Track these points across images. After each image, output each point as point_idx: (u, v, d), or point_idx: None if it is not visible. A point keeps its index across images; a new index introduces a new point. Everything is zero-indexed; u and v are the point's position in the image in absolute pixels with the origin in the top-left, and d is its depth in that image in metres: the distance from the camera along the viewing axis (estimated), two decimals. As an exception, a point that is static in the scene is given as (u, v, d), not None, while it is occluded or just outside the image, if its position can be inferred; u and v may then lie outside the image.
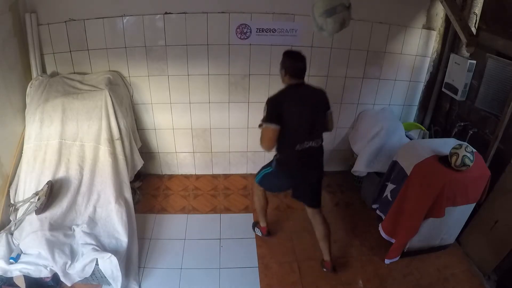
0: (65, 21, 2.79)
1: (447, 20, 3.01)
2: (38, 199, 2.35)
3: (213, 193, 3.40)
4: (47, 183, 2.41)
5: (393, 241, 2.65)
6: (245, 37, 2.95)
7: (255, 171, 3.62)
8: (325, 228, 2.47)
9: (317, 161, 2.35)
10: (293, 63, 2.15)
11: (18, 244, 2.29)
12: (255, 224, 2.94)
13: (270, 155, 3.60)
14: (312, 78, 3.17)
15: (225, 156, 3.55)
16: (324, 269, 2.59)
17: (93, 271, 2.26)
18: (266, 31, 2.94)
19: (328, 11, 2.04)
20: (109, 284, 2.33)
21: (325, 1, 2.07)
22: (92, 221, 2.49)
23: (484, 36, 2.63)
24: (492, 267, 2.51)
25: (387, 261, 2.67)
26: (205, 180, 3.57)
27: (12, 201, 2.50)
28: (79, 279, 2.28)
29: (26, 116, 2.66)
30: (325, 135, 3.25)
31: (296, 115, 2.13)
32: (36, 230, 2.28)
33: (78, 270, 2.23)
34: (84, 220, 2.48)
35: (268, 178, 2.47)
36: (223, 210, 3.19)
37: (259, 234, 2.89)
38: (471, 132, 2.79)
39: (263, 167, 2.52)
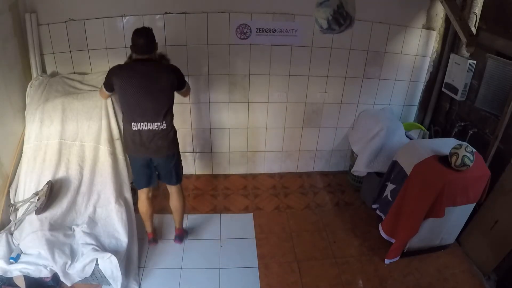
0: (65, 21, 2.79)
1: (447, 20, 3.01)
2: (38, 199, 2.35)
3: (213, 193, 3.40)
4: (47, 183, 2.41)
5: (393, 241, 2.65)
6: (245, 37, 2.95)
7: (255, 171, 3.67)
8: (179, 201, 2.60)
9: (155, 144, 2.30)
10: (134, 39, 2.20)
11: (18, 244, 2.28)
12: None
13: (271, 156, 3.61)
14: (312, 78, 3.18)
15: (225, 156, 3.55)
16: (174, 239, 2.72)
17: (93, 271, 2.26)
18: (266, 31, 2.94)
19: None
20: (109, 284, 2.33)
21: None
22: (92, 221, 2.48)
23: (484, 36, 2.63)
24: (492, 267, 2.51)
25: (387, 261, 2.67)
26: (205, 180, 3.57)
27: (12, 201, 2.50)
28: (79, 279, 2.28)
29: (26, 116, 2.65)
30: (324, 135, 3.23)
31: (129, 90, 2.19)
32: (36, 230, 2.28)
33: (78, 270, 2.23)
34: (84, 220, 2.48)
35: (132, 172, 2.53)
36: (223, 210, 3.19)
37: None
38: (471, 132, 2.79)
39: None
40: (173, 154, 2.45)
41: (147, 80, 2.20)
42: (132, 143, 2.33)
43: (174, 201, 2.63)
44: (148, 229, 2.72)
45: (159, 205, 3.18)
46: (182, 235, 2.76)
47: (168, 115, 2.30)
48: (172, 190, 2.60)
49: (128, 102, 2.24)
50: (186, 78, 3.06)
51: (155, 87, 2.21)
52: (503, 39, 2.47)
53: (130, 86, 2.19)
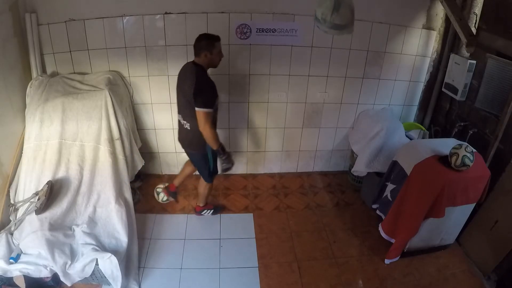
0: (65, 21, 2.79)
1: (447, 20, 3.01)
2: (38, 199, 2.35)
3: (213, 193, 3.39)
4: (47, 183, 2.41)
5: (393, 241, 2.65)
6: (245, 37, 2.95)
7: (255, 171, 3.67)
8: (200, 187, 2.93)
9: (180, 136, 2.66)
10: None
11: (18, 244, 2.28)
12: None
13: (271, 156, 3.61)
14: (312, 78, 3.18)
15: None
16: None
17: (93, 271, 2.26)
18: (266, 31, 2.94)
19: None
20: (109, 284, 2.33)
21: None
22: (92, 221, 2.49)
23: (484, 36, 2.63)
24: (492, 267, 2.51)
25: (387, 261, 2.67)
26: (205, 180, 3.57)
27: (12, 201, 2.50)
28: (79, 279, 2.28)
29: (26, 116, 2.65)
30: (324, 135, 3.20)
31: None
32: (36, 230, 2.28)
33: (78, 270, 2.23)
34: (84, 220, 2.48)
35: None
36: (224, 210, 3.19)
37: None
38: (471, 132, 2.79)
39: None
40: (192, 153, 2.70)
41: (181, 78, 2.49)
42: None
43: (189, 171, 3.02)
44: (175, 182, 3.12)
45: (159, 205, 3.19)
46: (199, 210, 3.08)
47: (189, 116, 2.43)
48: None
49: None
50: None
51: (182, 87, 2.45)
52: (503, 39, 2.47)
53: (177, 81, 2.53)
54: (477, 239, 2.68)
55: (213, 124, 2.47)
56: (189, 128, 2.49)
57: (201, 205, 3.05)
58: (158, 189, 3.17)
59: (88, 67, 2.99)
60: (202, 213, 3.08)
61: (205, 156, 2.61)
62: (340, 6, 1.98)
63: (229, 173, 3.60)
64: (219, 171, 2.74)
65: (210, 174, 2.74)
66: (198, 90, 2.29)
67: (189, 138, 2.57)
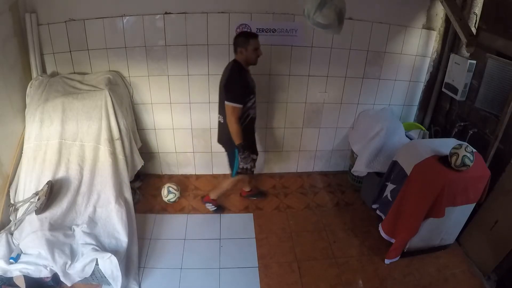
0: (65, 21, 2.79)
1: (447, 20, 3.01)
2: (38, 199, 2.35)
3: (213, 193, 3.40)
4: (47, 183, 2.41)
5: (393, 241, 2.65)
6: (245, 37, 2.95)
7: (255, 171, 3.65)
8: (224, 182, 2.97)
9: (219, 134, 2.75)
10: None
11: (18, 244, 2.29)
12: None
13: (272, 156, 3.61)
14: (312, 78, 3.18)
15: (225, 156, 3.53)
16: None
17: (93, 271, 2.27)
18: (266, 31, 2.94)
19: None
20: (109, 284, 2.33)
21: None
22: (92, 221, 2.49)
23: (484, 36, 2.63)
24: (492, 267, 2.51)
25: (387, 261, 2.67)
26: (205, 180, 3.57)
27: (12, 201, 2.50)
28: (79, 279, 2.28)
29: (26, 116, 2.66)
30: (324, 135, 3.19)
31: None
32: (36, 230, 2.28)
33: (78, 270, 2.23)
34: (84, 220, 2.48)
35: None
36: (224, 211, 3.19)
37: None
38: (471, 132, 2.79)
39: None
40: (227, 150, 2.75)
41: (222, 75, 2.55)
42: None
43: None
44: (245, 189, 3.27)
45: (159, 205, 3.19)
46: (207, 201, 3.08)
47: (222, 109, 2.52)
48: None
49: None
50: (186, 79, 3.07)
51: (220, 81, 2.55)
52: (503, 39, 2.47)
53: None
54: (477, 239, 2.68)
55: (250, 121, 2.63)
56: (222, 121, 2.60)
57: (212, 197, 3.05)
58: (170, 188, 3.16)
59: (88, 67, 2.99)
60: (207, 204, 3.09)
61: (233, 153, 2.67)
62: (325, 6, 2.00)
63: (228, 173, 3.62)
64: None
65: (236, 172, 2.75)
66: (229, 84, 2.44)
67: (221, 132, 2.69)
